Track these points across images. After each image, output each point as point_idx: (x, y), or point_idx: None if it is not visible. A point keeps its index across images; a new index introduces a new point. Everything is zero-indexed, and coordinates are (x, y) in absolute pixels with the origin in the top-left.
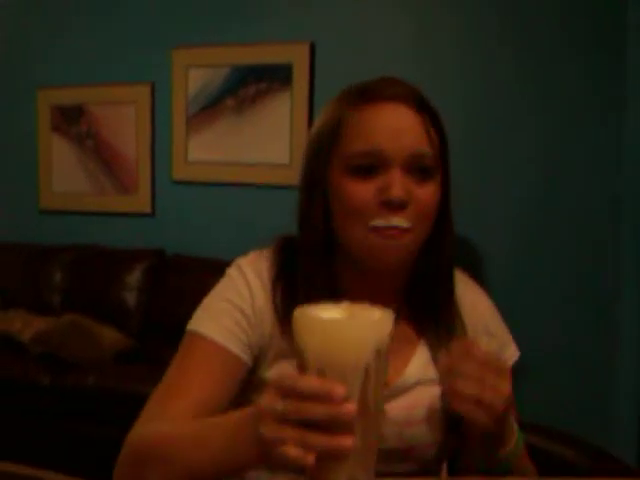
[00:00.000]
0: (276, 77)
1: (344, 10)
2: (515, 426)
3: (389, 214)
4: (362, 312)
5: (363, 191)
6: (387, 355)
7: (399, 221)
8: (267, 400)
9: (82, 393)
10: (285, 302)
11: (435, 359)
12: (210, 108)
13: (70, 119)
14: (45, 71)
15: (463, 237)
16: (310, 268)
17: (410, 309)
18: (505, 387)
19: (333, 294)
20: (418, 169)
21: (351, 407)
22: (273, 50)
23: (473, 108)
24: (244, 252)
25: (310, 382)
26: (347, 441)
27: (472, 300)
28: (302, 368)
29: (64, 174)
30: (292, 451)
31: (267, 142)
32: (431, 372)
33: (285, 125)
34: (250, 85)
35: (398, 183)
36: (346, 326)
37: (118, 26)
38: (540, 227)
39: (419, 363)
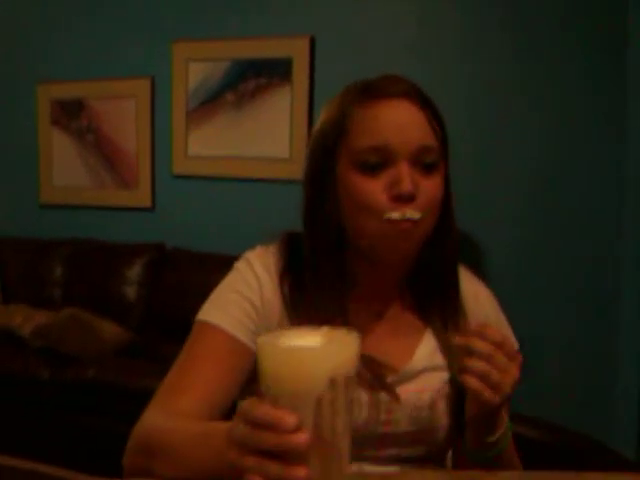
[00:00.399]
0: (276, 71)
1: (344, 4)
2: (505, 415)
3: (402, 206)
4: (339, 339)
5: (373, 186)
6: (351, 383)
7: (412, 213)
8: (232, 425)
9: (82, 387)
10: (293, 294)
11: (442, 347)
12: (210, 102)
13: (70, 113)
14: (45, 65)
15: (465, 233)
16: (320, 261)
17: (416, 298)
18: (514, 371)
19: (342, 286)
20: (423, 162)
21: (302, 438)
22: (273, 44)
23: (476, 103)
24: (244, 246)
25: (262, 411)
26: (300, 472)
27: (474, 292)
28: (263, 394)
29: (64, 168)
30: (252, 479)
31: (267, 136)
32: (438, 359)
33: (285, 119)
34: (250, 79)
35: (407, 177)
36: (295, 355)
37: (118, 20)
38: (541, 225)
39: (426, 350)
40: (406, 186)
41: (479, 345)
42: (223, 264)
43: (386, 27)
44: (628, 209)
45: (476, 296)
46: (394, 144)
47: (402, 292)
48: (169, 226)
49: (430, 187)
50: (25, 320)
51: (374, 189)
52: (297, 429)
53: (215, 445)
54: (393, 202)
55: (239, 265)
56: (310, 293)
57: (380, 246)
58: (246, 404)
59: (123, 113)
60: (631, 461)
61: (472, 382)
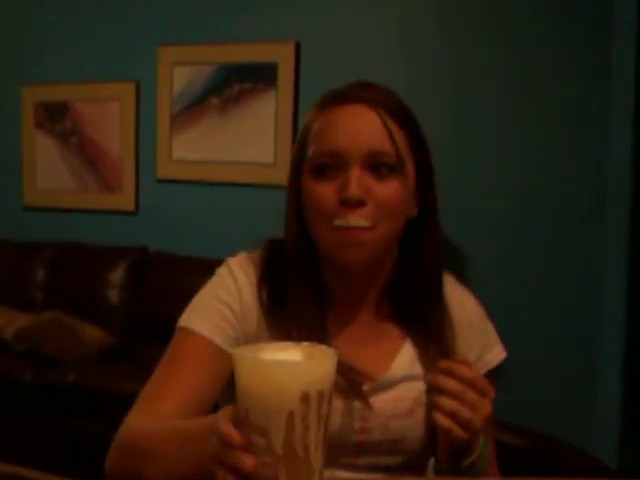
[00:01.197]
0: (261, 76)
1: (329, 9)
2: (480, 439)
3: (348, 213)
4: (316, 355)
5: (325, 191)
6: (325, 399)
7: (357, 221)
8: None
9: (64, 390)
10: (271, 301)
11: (421, 356)
12: (195, 106)
13: (54, 116)
14: (30, 68)
15: (445, 240)
16: (295, 268)
17: (396, 307)
18: (485, 407)
19: (318, 294)
20: (378, 168)
21: (248, 461)
22: (258, 49)
23: (457, 108)
24: (227, 250)
25: (224, 428)
26: None
27: (459, 299)
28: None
29: (48, 171)
30: None
31: (251, 141)
32: (417, 368)
33: (270, 124)
34: (235, 84)
35: (354, 181)
36: (268, 369)
37: (103, 23)
38: (523, 229)
39: (405, 360)
40: (351, 190)
41: (449, 383)
42: (206, 268)
43: (371, 32)
44: (611, 212)
45: (462, 304)
46: (345, 148)
47: (381, 300)
48: (152, 230)
49: (384, 193)
50: (7, 322)
51: (326, 194)
52: (245, 449)
53: (196, 445)
54: (341, 207)
55: (220, 271)
56: (288, 301)
57: (333, 253)
58: (219, 416)
59: (108, 116)
60: (612, 468)
61: (442, 420)
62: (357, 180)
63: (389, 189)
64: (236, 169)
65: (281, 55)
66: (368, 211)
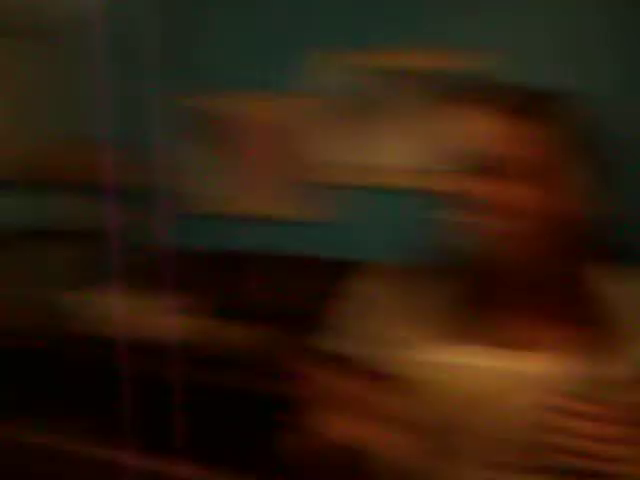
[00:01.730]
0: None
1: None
2: None
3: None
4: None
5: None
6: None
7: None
8: None
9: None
10: (414, 308)
11: (582, 364)
12: (353, 112)
13: (227, 127)
14: (194, 77)
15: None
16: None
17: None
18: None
19: (473, 299)
20: (495, 170)
21: None
22: (415, 56)
23: None
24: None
25: None
26: None
27: (629, 298)
28: None
29: (224, 180)
30: None
31: (413, 146)
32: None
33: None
34: (401, 90)
35: (469, 187)
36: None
37: (268, 31)
38: None
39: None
40: (470, 193)
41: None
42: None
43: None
44: None
45: (629, 302)
46: (459, 154)
47: (532, 309)
48: (344, 240)
49: (501, 194)
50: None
51: None
52: None
53: None
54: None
55: (357, 285)
56: (439, 306)
57: None
58: None
59: (274, 126)
60: None
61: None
62: (471, 185)
63: (507, 190)
64: (405, 175)
65: (434, 63)
66: (487, 212)
